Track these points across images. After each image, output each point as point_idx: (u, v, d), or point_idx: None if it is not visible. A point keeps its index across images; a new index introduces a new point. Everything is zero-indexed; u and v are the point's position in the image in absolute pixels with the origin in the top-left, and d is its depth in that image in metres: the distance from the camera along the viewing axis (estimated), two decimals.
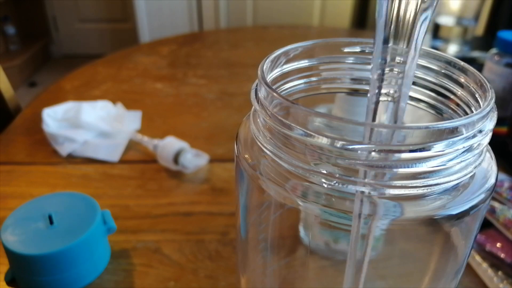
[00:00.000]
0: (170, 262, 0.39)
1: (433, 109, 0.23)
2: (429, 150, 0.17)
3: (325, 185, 0.18)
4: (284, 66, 0.23)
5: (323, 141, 0.17)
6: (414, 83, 0.24)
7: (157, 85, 0.75)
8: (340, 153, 0.17)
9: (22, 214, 0.37)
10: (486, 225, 0.39)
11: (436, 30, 0.84)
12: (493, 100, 0.19)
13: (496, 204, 0.41)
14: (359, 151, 0.17)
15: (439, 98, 0.23)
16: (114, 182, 0.49)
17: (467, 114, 0.21)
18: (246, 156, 0.22)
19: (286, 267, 0.32)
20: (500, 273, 0.36)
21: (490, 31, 1.04)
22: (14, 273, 0.36)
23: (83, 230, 0.35)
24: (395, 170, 0.17)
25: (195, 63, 0.85)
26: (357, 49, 0.24)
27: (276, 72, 0.23)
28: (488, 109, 0.18)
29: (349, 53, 0.24)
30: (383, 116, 0.20)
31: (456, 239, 0.22)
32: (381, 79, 0.19)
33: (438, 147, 0.17)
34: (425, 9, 0.17)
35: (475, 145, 0.18)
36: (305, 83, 0.25)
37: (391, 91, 0.19)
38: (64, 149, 0.54)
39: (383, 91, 0.19)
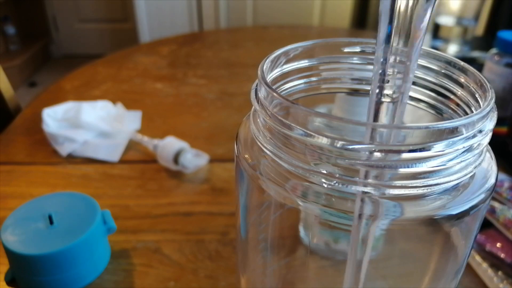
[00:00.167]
0: (170, 262, 0.39)
1: (433, 109, 0.23)
2: (429, 150, 0.17)
3: (325, 185, 0.18)
4: (284, 66, 0.23)
5: (323, 141, 0.17)
6: (414, 83, 0.24)
7: (157, 85, 0.75)
8: (340, 153, 0.17)
9: (22, 214, 0.37)
10: (486, 225, 0.39)
11: (436, 30, 0.84)
12: (493, 100, 0.19)
13: (496, 204, 0.41)
14: (359, 151, 0.17)
15: (439, 98, 0.23)
16: (114, 182, 0.49)
17: (467, 114, 0.21)
18: (246, 156, 0.22)
19: (286, 267, 0.32)
20: (500, 273, 0.36)
21: (490, 31, 1.04)
22: (14, 273, 0.36)
23: (83, 230, 0.35)
24: (395, 170, 0.17)
25: (195, 63, 0.85)
26: (357, 49, 0.24)
27: (276, 72, 0.23)
28: (488, 109, 0.18)
29: (349, 53, 0.24)
30: (383, 117, 0.20)
31: (456, 239, 0.22)
32: (382, 79, 0.19)
33: (438, 147, 0.17)
34: (425, 9, 0.17)
35: (475, 145, 0.18)
36: (305, 83, 0.25)
37: (391, 92, 0.19)
38: (64, 149, 0.54)
39: (385, 91, 0.19)
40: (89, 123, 0.56)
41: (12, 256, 0.34)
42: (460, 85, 0.22)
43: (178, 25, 2.08)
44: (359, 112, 0.41)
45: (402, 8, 0.17)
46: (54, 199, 0.39)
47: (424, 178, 0.17)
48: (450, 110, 0.22)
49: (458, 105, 0.22)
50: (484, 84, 0.20)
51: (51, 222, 0.36)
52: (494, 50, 0.61)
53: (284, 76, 0.24)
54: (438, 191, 0.19)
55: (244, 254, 0.28)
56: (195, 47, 0.95)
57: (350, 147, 0.17)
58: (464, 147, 0.17)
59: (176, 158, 0.50)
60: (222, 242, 0.41)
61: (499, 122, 0.21)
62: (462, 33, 0.82)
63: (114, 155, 0.54)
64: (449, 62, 0.22)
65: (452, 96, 0.22)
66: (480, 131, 0.18)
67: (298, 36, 1.04)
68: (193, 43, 0.97)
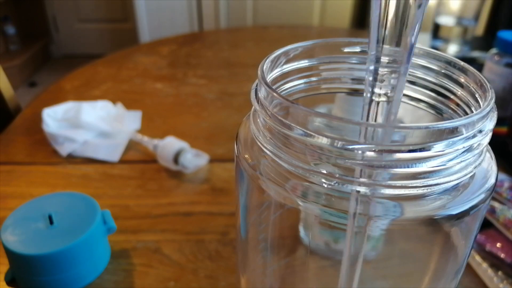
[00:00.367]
0: (170, 262, 0.39)
1: (433, 109, 0.23)
2: (429, 150, 0.17)
3: (325, 185, 0.18)
4: (284, 66, 0.23)
5: (323, 141, 0.17)
6: (414, 83, 0.24)
7: (157, 85, 0.75)
8: (340, 153, 0.17)
9: (22, 214, 0.37)
10: (486, 225, 0.39)
11: (436, 30, 0.84)
12: (493, 100, 0.19)
13: (496, 204, 0.41)
14: (359, 151, 0.17)
15: (439, 98, 0.23)
16: (114, 182, 0.49)
17: (467, 114, 0.21)
18: (246, 156, 0.22)
19: (286, 267, 0.32)
20: (500, 273, 0.36)
21: (490, 31, 1.04)
22: (14, 273, 0.36)
23: (83, 230, 0.35)
24: (395, 170, 0.17)
25: (195, 63, 0.85)
26: (357, 49, 0.24)
27: (276, 72, 0.23)
28: (488, 109, 0.18)
29: (349, 53, 0.24)
30: (378, 116, 0.20)
31: (456, 239, 0.22)
32: (374, 78, 0.19)
33: (438, 147, 0.17)
34: (419, 6, 0.17)
35: (475, 145, 0.18)
36: (305, 83, 0.25)
37: (386, 91, 0.19)
38: (64, 149, 0.54)
39: (381, 91, 0.19)
40: (89, 123, 0.56)
41: (12, 256, 0.34)
42: (460, 85, 0.22)
43: (178, 25, 2.09)
44: (359, 112, 0.41)
45: (393, 10, 0.17)
46: (54, 199, 0.39)
47: (424, 178, 0.17)
48: (450, 110, 0.22)
49: (458, 105, 0.22)
50: (484, 84, 0.20)
51: (51, 222, 0.36)
52: (494, 50, 0.61)
53: (284, 76, 0.24)
54: (438, 191, 0.19)
55: (244, 254, 0.28)
56: (195, 47, 0.95)
57: (350, 147, 0.17)
58: (464, 147, 0.17)
59: (176, 158, 0.50)
60: (222, 242, 0.41)
61: (499, 122, 0.21)
62: (462, 33, 0.82)
63: (114, 155, 0.54)
64: (449, 62, 0.22)
65: (452, 96, 0.22)
66: (480, 131, 0.18)
67: (298, 36, 1.04)
68: (193, 43, 0.97)
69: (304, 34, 1.10)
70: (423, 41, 0.87)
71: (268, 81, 0.20)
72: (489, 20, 1.05)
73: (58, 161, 0.53)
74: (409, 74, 0.23)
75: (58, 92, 0.73)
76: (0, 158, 0.54)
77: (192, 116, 0.65)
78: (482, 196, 0.19)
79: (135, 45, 1.28)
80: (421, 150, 0.17)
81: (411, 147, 0.17)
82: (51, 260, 0.34)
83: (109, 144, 0.55)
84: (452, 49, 0.83)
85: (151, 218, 0.44)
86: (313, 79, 0.25)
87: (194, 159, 0.51)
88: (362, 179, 0.18)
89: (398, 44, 0.18)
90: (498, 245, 0.38)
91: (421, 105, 0.24)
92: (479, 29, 1.00)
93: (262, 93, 0.20)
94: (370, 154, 0.17)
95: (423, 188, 0.18)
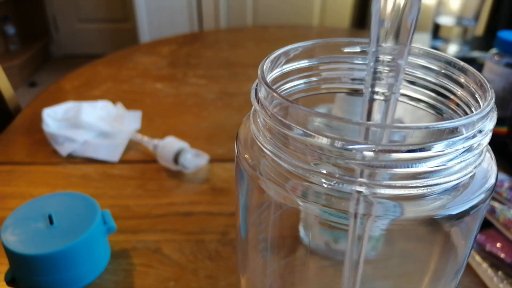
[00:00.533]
0: (170, 262, 0.39)
1: (433, 109, 0.23)
2: (429, 150, 0.17)
3: (325, 185, 0.18)
4: (284, 66, 0.23)
5: (323, 141, 0.17)
6: (414, 83, 0.24)
7: (157, 85, 0.75)
8: (340, 153, 0.17)
9: (22, 214, 0.37)
10: (486, 225, 0.39)
11: (436, 30, 0.84)
12: (493, 100, 0.19)
13: (496, 204, 0.41)
14: (359, 151, 0.17)
15: (439, 98, 0.23)
16: (114, 182, 0.49)
17: (467, 114, 0.21)
18: (246, 156, 0.22)
19: (286, 267, 0.32)
20: (500, 273, 0.36)
21: (490, 31, 1.04)
22: (14, 273, 0.36)
23: (83, 230, 0.35)
24: (395, 170, 0.17)
25: (195, 63, 0.85)
26: (357, 49, 0.24)
27: (276, 72, 0.23)
28: (488, 109, 0.18)
29: (349, 53, 0.24)
30: (376, 115, 0.20)
31: (456, 239, 0.22)
32: (373, 77, 0.19)
33: (438, 147, 0.17)
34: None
35: (475, 145, 0.18)
36: (305, 83, 0.25)
37: (384, 90, 0.19)
38: (64, 149, 0.54)
39: (381, 90, 0.19)
40: (89, 123, 0.56)
41: (12, 256, 0.34)
42: (460, 85, 0.22)
43: (178, 25, 2.09)
44: (359, 112, 0.41)
45: (390, 7, 0.18)
46: (54, 199, 0.39)
47: (424, 178, 0.17)
48: (450, 110, 0.22)
49: (458, 105, 0.22)
50: (484, 84, 0.20)
51: (51, 222, 0.36)
52: (494, 50, 0.61)
53: (284, 76, 0.24)
54: (438, 191, 0.19)
55: (244, 254, 0.28)
56: (195, 47, 0.95)
57: (350, 147, 0.17)
58: (464, 147, 0.17)
59: (176, 158, 0.50)
60: (222, 242, 0.41)
61: (499, 122, 0.21)
62: (462, 33, 0.82)
63: (114, 155, 0.54)
64: (449, 62, 0.22)
65: (452, 96, 0.22)
66: (480, 131, 0.18)
67: (298, 36, 1.04)
68: (193, 43, 0.97)
69: (304, 34, 1.10)
70: (423, 41, 0.87)
71: (268, 81, 0.20)
72: (489, 20, 1.05)
73: (58, 161, 0.53)
74: (409, 74, 0.23)
75: (58, 92, 0.73)
76: (0, 158, 0.54)
77: (192, 116, 0.65)
78: (482, 196, 0.19)
79: (135, 45, 1.28)
80: (421, 150, 0.17)
81: (411, 147, 0.17)
82: (51, 260, 0.34)
83: (109, 144, 0.55)
84: (452, 49, 0.83)
85: (151, 218, 0.44)
86: (313, 79, 0.25)
87: (194, 159, 0.51)
88: (362, 179, 0.18)
89: (395, 42, 0.18)
90: (498, 245, 0.38)
91: (421, 105, 0.24)
92: (479, 29, 1.00)
93: (262, 93, 0.20)
94: (370, 154, 0.17)
95: (423, 188, 0.18)
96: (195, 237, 0.41)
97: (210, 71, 0.81)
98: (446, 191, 0.19)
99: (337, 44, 0.24)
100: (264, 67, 0.21)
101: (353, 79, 0.25)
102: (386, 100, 0.19)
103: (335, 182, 0.18)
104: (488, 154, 0.21)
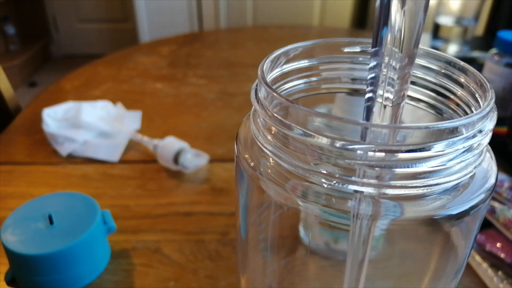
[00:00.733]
0: (170, 262, 0.39)
1: (433, 109, 0.23)
2: (429, 150, 0.17)
3: (325, 185, 0.18)
4: (284, 66, 0.23)
5: (323, 141, 0.17)
6: (414, 83, 0.24)
7: (157, 85, 0.75)
8: (340, 153, 0.17)
9: (22, 214, 0.37)
10: (486, 225, 0.39)
11: (436, 30, 0.84)
12: (493, 100, 0.19)
13: (496, 204, 0.41)
14: (359, 151, 0.17)
15: (439, 98, 0.23)
16: (114, 182, 0.49)
17: (467, 114, 0.21)
18: (246, 156, 0.22)
19: (286, 267, 0.32)
20: (500, 273, 0.36)
21: (490, 31, 1.04)
22: (14, 273, 0.36)
23: (83, 230, 0.35)
24: (395, 170, 0.17)
25: (195, 63, 0.85)
26: (357, 49, 0.24)
27: (276, 72, 0.23)
28: (488, 109, 0.18)
29: (349, 53, 0.24)
30: (382, 119, 0.20)
31: (456, 239, 0.22)
32: (374, 80, 0.19)
33: (438, 147, 0.17)
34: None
35: (475, 145, 0.18)
36: (305, 83, 0.25)
37: (391, 96, 0.19)
38: (64, 149, 0.54)
39: (387, 95, 0.19)
40: (89, 123, 0.56)
41: (12, 256, 0.34)
42: (460, 85, 0.22)
43: (178, 25, 2.09)
44: (359, 112, 0.41)
45: (395, 12, 0.17)
46: (54, 199, 0.39)
47: (424, 178, 0.17)
48: (450, 110, 0.22)
49: (458, 105, 0.22)
50: (484, 84, 0.20)
51: (51, 222, 0.36)
52: (494, 50, 0.61)
53: (284, 76, 0.24)
54: (438, 191, 0.19)
55: (244, 254, 0.28)
56: (195, 47, 0.95)
57: (350, 147, 0.17)
58: (464, 147, 0.17)
59: (176, 158, 0.50)
60: (222, 242, 0.41)
61: (499, 122, 0.21)
62: (462, 33, 0.82)
63: (114, 155, 0.54)
64: (449, 62, 0.22)
65: (452, 96, 0.22)
66: (480, 131, 0.18)
67: (298, 36, 1.04)
68: (193, 43, 0.97)
69: (304, 34, 1.10)
70: (423, 41, 0.87)
71: (268, 81, 0.20)
72: (489, 20, 1.05)
73: (58, 161, 0.53)
74: None
75: (58, 92, 0.73)
76: (0, 158, 0.54)
77: (192, 116, 0.65)
78: (482, 196, 0.19)
79: (135, 45, 1.28)
80: (421, 150, 0.17)
81: (411, 147, 0.17)
82: (51, 260, 0.34)
83: (109, 144, 0.55)
84: (452, 49, 0.83)
85: (151, 218, 0.44)
86: (313, 79, 0.25)
87: (194, 159, 0.51)
88: (362, 179, 0.18)
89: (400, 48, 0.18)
90: (498, 245, 0.38)
91: (421, 105, 0.24)
92: (479, 29, 1.00)
93: (262, 93, 0.20)
94: (370, 154, 0.17)
95: (423, 188, 0.18)
96: (195, 237, 0.41)
97: (210, 71, 0.81)
98: (446, 191, 0.19)
99: (337, 44, 0.24)
100: (264, 67, 0.21)
101: (353, 79, 0.25)
102: (393, 106, 0.19)
103: (335, 182, 0.18)
104: (488, 154, 0.21)
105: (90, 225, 0.35)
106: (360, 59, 0.24)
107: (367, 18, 1.86)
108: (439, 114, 0.23)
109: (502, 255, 0.37)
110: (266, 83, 0.20)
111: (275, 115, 0.19)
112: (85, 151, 0.54)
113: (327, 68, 0.25)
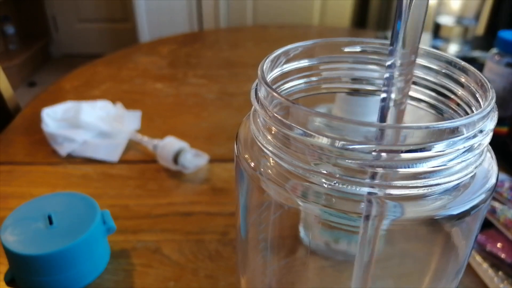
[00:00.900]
0: (170, 262, 0.39)
1: (433, 109, 0.23)
2: (430, 150, 0.17)
3: (325, 185, 0.18)
4: (284, 66, 0.23)
5: (323, 141, 0.17)
6: (414, 83, 0.23)
7: (157, 85, 0.75)
8: (340, 153, 0.17)
9: (22, 214, 0.37)
10: (487, 225, 0.39)
11: (436, 30, 0.84)
12: (494, 100, 0.19)
13: (497, 204, 0.41)
14: (359, 151, 0.17)
15: (440, 98, 0.23)
16: (114, 182, 0.49)
17: (467, 114, 0.21)
18: (246, 156, 0.22)
19: (286, 267, 0.32)
20: (500, 273, 0.36)
21: (490, 31, 1.04)
22: (13, 273, 0.36)
23: (83, 230, 0.35)
24: (395, 170, 0.17)
25: (195, 63, 0.85)
26: (358, 49, 0.24)
27: (276, 72, 0.23)
28: (488, 109, 0.18)
29: (349, 52, 0.24)
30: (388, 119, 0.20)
31: (456, 239, 0.22)
32: (389, 79, 0.19)
33: (439, 147, 0.17)
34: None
35: (475, 145, 0.18)
36: (305, 83, 0.25)
37: (395, 95, 0.19)
38: (63, 149, 0.54)
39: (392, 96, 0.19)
40: (89, 123, 0.56)
41: (11, 256, 0.34)
42: (461, 85, 0.22)
43: (178, 25, 2.08)
44: (359, 112, 0.41)
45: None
46: (54, 199, 0.39)
47: (424, 178, 0.17)
48: (450, 110, 0.22)
49: (458, 105, 0.22)
50: (485, 84, 0.20)
51: (50, 222, 0.36)
52: (494, 50, 0.61)
53: (284, 76, 0.24)
54: (438, 191, 0.19)
55: (244, 254, 0.28)
56: (195, 47, 0.95)
57: (351, 147, 0.17)
58: (464, 147, 0.17)
59: (176, 158, 0.50)
60: (222, 242, 0.41)
61: (500, 122, 0.21)
62: (462, 32, 0.82)
63: (113, 155, 0.54)
64: (449, 62, 0.22)
65: (452, 96, 0.22)
66: (481, 131, 0.18)
67: (298, 36, 1.03)
68: (193, 43, 0.97)
69: (304, 34, 1.10)
70: (423, 41, 0.87)
71: (268, 81, 0.20)
72: (489, 19, 1.05)
73: (58, 161, 0.53)
74: None
75: (57, 92, 0.73)
76: (0, 158, 0.54)
77: (192, 116, 0.65)
78: (483, 196, 0.19)
79: (135, 45, 1.27)
80: (421, 150, 0.17)
81: (411, 147, 0.17)
82: (51, 260, 0.34)
83: (108, 144, 0.55)
84: (453, 49, 0.83)
85: (151, 218, 0.44)
86: (313, 79, 0.25)
87: (194, 159, 0.51)
88: (362, 179, 0.18)
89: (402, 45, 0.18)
90: (499, 245, 0.38)
91: (422, 105, 0.24)
92: (480, 28, 1.00)
93: (262, 93, 0.20)
94: (373, 154, 0.17)
95: (423, 188, 0.18)
96: (195, 237, 0.41)
97: (210, 71, 0.81)
98: (446, 191, 0.19)
99: (337, 44, 0.24)
100: (264, 67, 0.21)
101: (353, 79, 0.25)
102: (396, 105, 0.19)
103: (335, 182, 0.18)
104: (488, 154, 0.21)
105: (90, 225, 0.35)
106: (361, 59, 0.24)
107: (367, 18, 1.86)
108: (440, 114, 0.23)
109: (503, 255, 0.37)
110: (266, 83, 0.20)
111: (275, 115, 0.19)
112: (84, 151, 0.54)
113: (327, 68, 0.25)
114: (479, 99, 0.20)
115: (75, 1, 2.43)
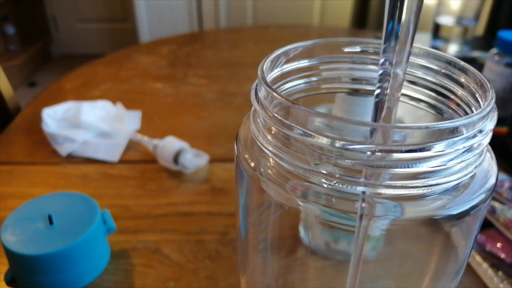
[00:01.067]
0: (170, 262, 0.39)
1: (433, 109, 0.23)
2: (430, 150, 0.17)
3: (325, 185, 0.18)
4: (284, 66, 0.23)
5: (323, 141, 0.17)
6: (414, 83, 0.24)
7: (157, 85, 0.75)
8: (340, 153, 0.17)
9: (22, 214, 0.37)
10: (487, 225, 0.39)
11: (436, 30, 0.84)
12: (494, 100, 0.19)
13: (497, 204, 0.41)
14: (359, 151, 0.17)
15: (440, 98, 0.23)
16: (114, 182, 0.49)
17: (467, 114, 0.21)
18: (246, 156, 0.22)
19: (286, 267, 0.32)
20: (500, 273, 0.36)
21: (490, 31, 1.04)
22: (13, 273, 0.36)
23: (83, 230, 0.35)
24: (395, 170, 0.17)
25: (195, 63, 0.85)
26: (357, 49, 0.24)
27: (276, 72, 0.23)
28: (488, 109, 0.18)
29: (349, 53, 0.24)
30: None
31: (456, 239, 0.22)
32: (383, 76, 0.19)
33: (439, 147, 0.17)
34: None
35: (475, 145, 0.18)
36: (305, 83, 0.25)
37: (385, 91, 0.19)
38: (63, 149, 0.54)
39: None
40: (89, 123, 0.56)
41: (11, 256, 0.34)
42: (461, 85, 0.22)
43: (178, 25, 2.08)
44: (359, 112, 0.41)
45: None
46: (54, 199, 0.39)
47: (424, 178, 0.17)
48: (450, 110, 0.22)
49: (458, 105, 0.22)
50: (485, 84, 0.20)
51: (51, 222, 0.36)
52: (494, 50, 0.61)
53: (284, 76, 0.24)
54: (438, 191, 0.19)
55: (244, 254, 0.28)
56: (195, 47, 0.95)
57: (350, 147, 0.17)
58: (464, 147, 0.17)
59: (176, 158, 0.50)
60: (222, 242, 0.41)
61: (499, 122, 0.21)
62: (462, 33, 0.82)
63: (114, 155, 0.54)
64: (449, 62, 0.22)
65: (452, 96, 0.22)
66: (481, 131, 0.18)
67: (298, 36, 1.03)
68: (193, 43, 0.97)
69: (304, 34, 1.10)
70: (423, 41, 0.87)
71: (268, 81, 0.20)
72: (489, 20, 1.05)
73: (58, 161, 0.53)
74: (410, 74, 0.23)
75: (58, 92, 0.73)
76: (0, 158, 0.54)
77: (192, 116, 0.65)
78: (483, 196, 0.19)
79: (135, 45, 1.28)
80: (421, 150, 0.17)
81: (411, 147, 0.17)
82: (51, 260, 0.34)
83: (108, 144, 0.55)
84: (452, 49, 0.83)
85: (151, 218, 0.44)
86: (313, 79, 0.25)
87: (194, 159, 0.51)
88: (362, 179, 0.18)
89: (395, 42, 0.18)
90: (499, 245, 0.38)
91: (421, 105, 0.24)
92: (480, 29, 1.00)
93: (262, 93, 0.20)
94: (370, 154, 0.17)
95: (423, 188, 0.18)
96: (195, 237, 0.41)
97: (210, 71, 0.81)
98: (446, 191, 0.19)
99: (337, 44, 0.24)
100: (264, 67, 0.21)
101: (353, 79, 0.25)
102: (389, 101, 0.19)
103: (335, 182, 0.18)
104: (488, 154, 0.21)
105: (90, 225, 0.35)
106: (360, 59, 0.24)
107: (367, 18, 1.86)
108: (440, 114, 0.23)
109: (503, 255, 0.37)
110: (266, 83, 0.20)
111: (275, 115, 0.19)
112: (85, 151, 0.54)
113: (327, 68, 0.25)
114: (479, 99, 0.20)
115: (75, 1, 2.43)
